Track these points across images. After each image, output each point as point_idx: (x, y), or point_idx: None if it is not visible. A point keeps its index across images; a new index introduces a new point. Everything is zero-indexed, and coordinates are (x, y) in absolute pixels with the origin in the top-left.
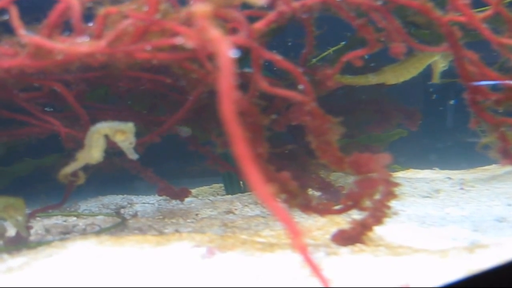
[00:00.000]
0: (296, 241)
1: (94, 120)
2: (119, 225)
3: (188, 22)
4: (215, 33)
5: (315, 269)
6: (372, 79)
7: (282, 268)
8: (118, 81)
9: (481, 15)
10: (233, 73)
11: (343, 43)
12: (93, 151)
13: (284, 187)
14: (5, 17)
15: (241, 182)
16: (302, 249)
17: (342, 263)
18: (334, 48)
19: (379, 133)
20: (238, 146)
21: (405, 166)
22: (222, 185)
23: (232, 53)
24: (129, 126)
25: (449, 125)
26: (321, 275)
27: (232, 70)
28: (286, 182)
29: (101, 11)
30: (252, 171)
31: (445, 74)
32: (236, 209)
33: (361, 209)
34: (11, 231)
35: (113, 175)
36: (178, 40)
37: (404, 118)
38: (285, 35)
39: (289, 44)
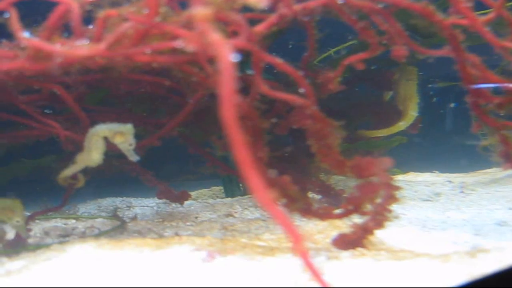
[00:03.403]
0: (297, 246)
1: (94, 123)
2: (118, 228)
3: (189, 25)
4: (215, 36)
5: (316, 275)
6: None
7: (283, 272)
8: (118, 84)
9: (484, 18)
10: (233, 77)
11: (347, 43)
12: (92, 154)
13: (284, 191)
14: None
15: (241, 185)
16: (303, 254)
17: (343, 267)
18: (334, 49)
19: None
20: (238, 150)
21: (405, 169)
22: (221, 187)
23: (233, 57)
24: (128, 128)
25: (449, 128)
26: (322, 279)
27: (233, 74)
28: (287, 186)
29: (101, 13)
30: (252, 176)
31: (445, 77)
32: (236, 212)
33: (362, 213)
34: (10, 234)
35: (112, 177)
36: (178, 44)
37: None
38: (287, 37)
39: (290, 46)
